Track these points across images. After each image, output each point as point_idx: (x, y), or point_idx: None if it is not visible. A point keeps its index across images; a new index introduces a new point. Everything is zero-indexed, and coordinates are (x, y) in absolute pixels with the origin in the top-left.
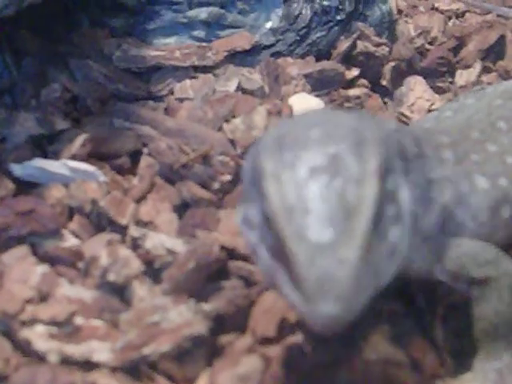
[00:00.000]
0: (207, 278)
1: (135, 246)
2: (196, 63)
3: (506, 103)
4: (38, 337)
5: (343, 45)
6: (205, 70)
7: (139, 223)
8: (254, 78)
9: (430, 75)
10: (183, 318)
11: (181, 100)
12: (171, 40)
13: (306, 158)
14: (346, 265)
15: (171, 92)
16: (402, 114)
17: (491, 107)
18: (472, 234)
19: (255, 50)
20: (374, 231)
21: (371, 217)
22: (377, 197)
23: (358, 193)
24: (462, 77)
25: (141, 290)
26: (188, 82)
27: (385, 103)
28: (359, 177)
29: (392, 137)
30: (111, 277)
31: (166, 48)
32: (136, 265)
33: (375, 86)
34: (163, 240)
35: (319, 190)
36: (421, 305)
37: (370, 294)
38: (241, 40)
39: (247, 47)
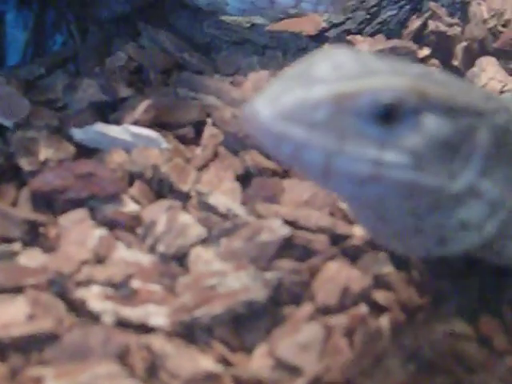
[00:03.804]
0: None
1: (199, 202)
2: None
3: None
4: (93, 297)
5: (414, 24)
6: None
7: None
8: None
9: (502, 56)
10: (241, 284)
11: (247, 74)
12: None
13: None
14: None
15: (238, 68)
16: None
17: None
18: None
19: (325, 28)
20: None
21: None
22: None
23: None
24: None
25: (201, 257)
26: (255, 58)
27: None
28: None
29: None
30: (163, 247)
31: None
32: (196, 231)
33: (447, 66)
34: (227, 201)
35: None
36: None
37: None
38: (307, 24)
39: (313, 33)
